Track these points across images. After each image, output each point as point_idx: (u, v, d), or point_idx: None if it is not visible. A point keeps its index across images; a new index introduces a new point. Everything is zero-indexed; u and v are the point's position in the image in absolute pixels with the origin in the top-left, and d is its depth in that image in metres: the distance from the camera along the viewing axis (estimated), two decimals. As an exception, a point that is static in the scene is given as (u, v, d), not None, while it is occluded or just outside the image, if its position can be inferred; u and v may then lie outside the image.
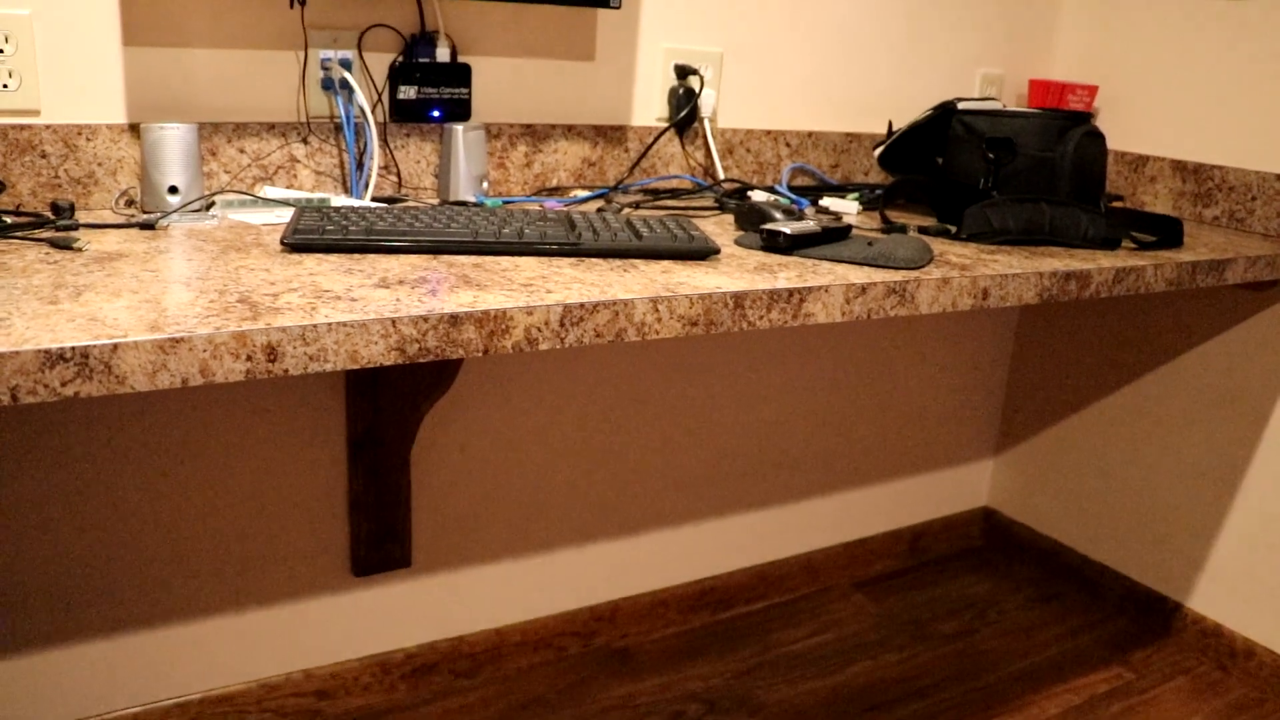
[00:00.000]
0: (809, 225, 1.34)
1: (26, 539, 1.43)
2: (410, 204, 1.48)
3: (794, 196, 1.75)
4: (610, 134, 1.76)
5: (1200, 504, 2.11)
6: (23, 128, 1.31)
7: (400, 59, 1.55)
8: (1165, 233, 1.66)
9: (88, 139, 1.36)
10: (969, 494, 2.54)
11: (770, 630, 2.13)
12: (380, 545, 1.69)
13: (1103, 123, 2.22)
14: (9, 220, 1.20)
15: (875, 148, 2.06)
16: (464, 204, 1.54)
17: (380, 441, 1.60)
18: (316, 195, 1.47)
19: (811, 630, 2.14)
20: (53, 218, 1.23)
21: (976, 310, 2.31)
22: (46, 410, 1.40)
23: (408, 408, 1.41)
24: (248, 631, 1.65)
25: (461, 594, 1.84)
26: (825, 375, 2.16)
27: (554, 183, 1.72)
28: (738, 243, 1.37)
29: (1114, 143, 2.21)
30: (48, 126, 1.33)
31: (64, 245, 1.12)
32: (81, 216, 1.31)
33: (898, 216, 1.73)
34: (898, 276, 1.25)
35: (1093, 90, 2.16)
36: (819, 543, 2.30)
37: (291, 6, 1.46)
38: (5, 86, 1.30)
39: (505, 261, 1.17)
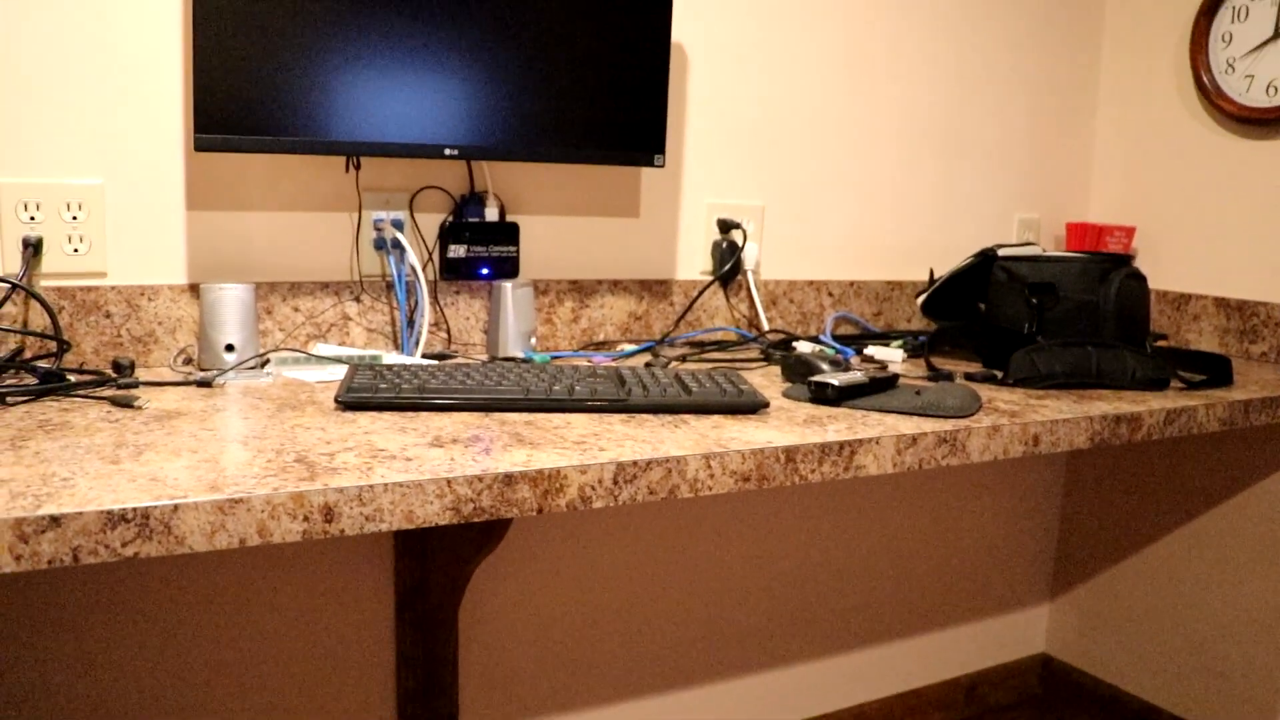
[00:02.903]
0: (856, 376, 1.34)
1: (65, 696, 1.42)
2: (460, 360, 1.51)
3: (839, 346, 1.76)
4: (655, 288, 1.79)
5: (1268, 647, 2.02)
6: (90, 289, 1.36)
7: (450, 219, 1.59)
8: (1214, 371, 1.64)
9: (149, 299, 1.40)
10: (1026, 640, 2.46)
11: (825, 789, 2.04)
12: (428, 703, 1.66)
13: (1142, 263, 2.23)
14: (73, 379, 1.23)
15: (918, 295, 2.08)
16: (513, 359, 1.56)
17: (429, 598, 1.59)
18: (369, 352, 1.50)
19: (868, 789, 2.05)
20: (114, 376, 1.26)
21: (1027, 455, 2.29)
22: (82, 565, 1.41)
23: (457, 564, 1.41)
24: (289, 793, 1.61)
25: (506, 752, 1.79)
26: (874, 522, 2.13)
27: (601, 337, 1.75)
28: (786, 395, 1.38)
29: (1155, 282, 2.21)
30: (113, 288, 1.38)
31: (125, 403, 1.15)
32: (141, 374, 1.34)
33: (943, 363, 1.73)
34: (948, 426, 1.25)
35: (1130, 231, 2.18)
36: (871, 694, 2.23)
37: (347, 170, 1.52)
38: (76, 251, 1.35)
39: (556, 419, 1.18)
